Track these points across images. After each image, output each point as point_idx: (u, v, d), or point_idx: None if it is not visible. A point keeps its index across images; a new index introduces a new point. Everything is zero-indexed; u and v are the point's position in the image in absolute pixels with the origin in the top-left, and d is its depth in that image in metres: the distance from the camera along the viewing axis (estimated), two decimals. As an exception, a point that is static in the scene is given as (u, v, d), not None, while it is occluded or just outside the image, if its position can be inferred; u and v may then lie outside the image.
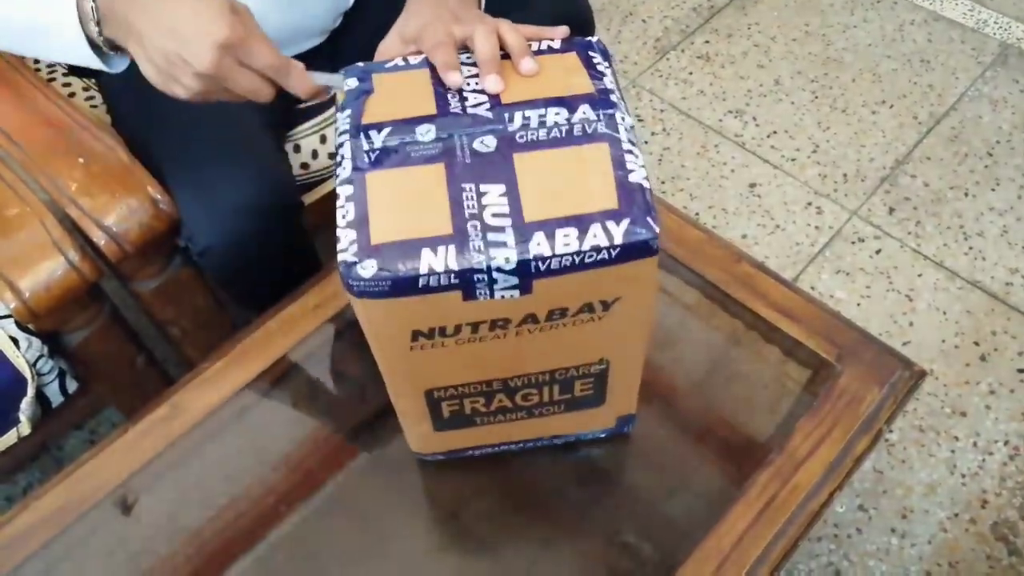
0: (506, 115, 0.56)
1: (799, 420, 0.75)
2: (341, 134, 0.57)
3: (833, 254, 1.44)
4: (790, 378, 0.80)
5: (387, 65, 0.62)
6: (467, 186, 0.53)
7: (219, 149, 0.84)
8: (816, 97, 1.67)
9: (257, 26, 0.65)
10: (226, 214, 0.80)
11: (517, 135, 0.55)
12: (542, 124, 0.55)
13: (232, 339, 0.82)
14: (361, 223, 0.52)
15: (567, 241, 0.51)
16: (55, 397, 0.93)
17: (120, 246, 0.81)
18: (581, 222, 0.52)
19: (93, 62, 0.70)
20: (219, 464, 0.77)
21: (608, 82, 0.58)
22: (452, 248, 0.51)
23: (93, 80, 1.03)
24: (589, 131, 0.55)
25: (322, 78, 0.66)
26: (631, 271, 0.53)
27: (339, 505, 0.75)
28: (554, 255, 0.51)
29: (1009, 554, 1.13)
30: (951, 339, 1.33)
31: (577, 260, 0.52)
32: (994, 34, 1.75)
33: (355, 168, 0.55)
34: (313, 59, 0.97)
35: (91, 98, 1.01)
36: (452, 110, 0.57)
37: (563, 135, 0.55)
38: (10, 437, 0.89)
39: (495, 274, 0.52)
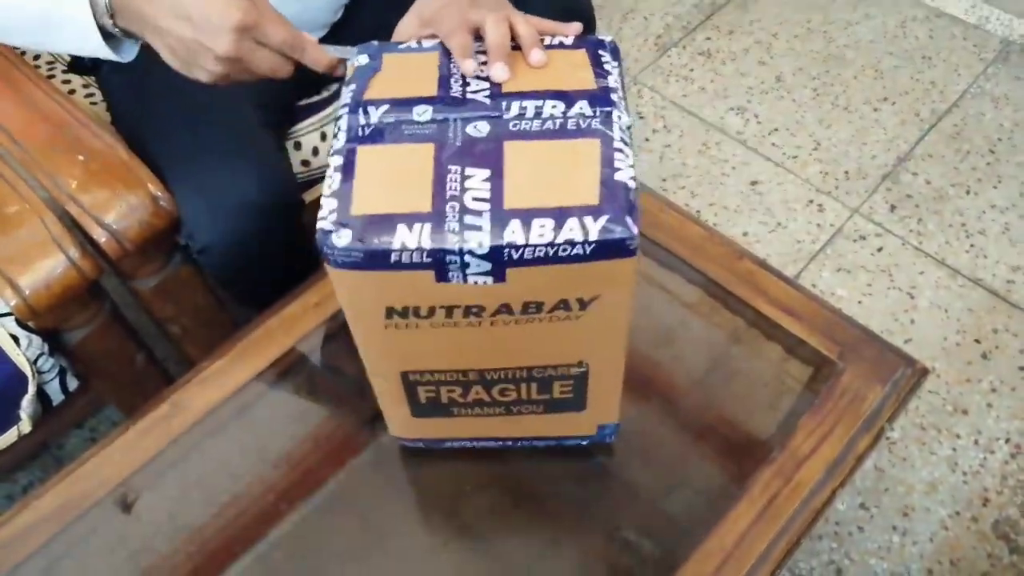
0: (504, 103, 0.57)
1: (801, 418, 0.75)
2: (342, 107, 0.58)
3: (834, 252, 1.44)
4: (792, 376, 0.80)
5: (400, 46, 0.63)
6: (453, 168, 0.54)
7: (219, 147, 0.84)
8: (817, 94, 1.67)
9: (269, 5, 0.66)
10: (226, 212, 0.80)
11: (511, 123, 0.56)
12: (538, 115, 0.56)
13: (233, 337, 0.82)
14: (345, 194, 0.53)
15: (542, 232, 0.51)
16: (55, 395, 0.93)
17: (120, 243, 0.81)
18: (559, 214, 0.52)
19: (104, 52, 0.70)
20: (220, 462, 0.77)
21: (612, 81, 0.58)
22: (428, 227, 0.52)
23: (92, 77, 1.03)
24: (583, 126, 0.55)
25: (336, 51, 0.68)
26: (607, 270, 0.53)
27: (340, 503, 0.75)
28: (527, 244, 0.51)
29: (1010, 552, 1.13)
30: (952, 337, 1.33)
31: (551, 252, 0.52)
32: (996, 31, 1.75)
33: (348, 140, 0.56)
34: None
35: (91, 95, 1.01)
36: (452, 94, 0.58)
37: (556, 128, 0.55)
38: (11, 435, 0.89)
39: (467, 257, 0.52)
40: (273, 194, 0.83)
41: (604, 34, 0.99)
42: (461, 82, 0.59)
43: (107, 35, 0.68)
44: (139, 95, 0.91)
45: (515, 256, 0.52)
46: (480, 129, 0.55)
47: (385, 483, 0.76)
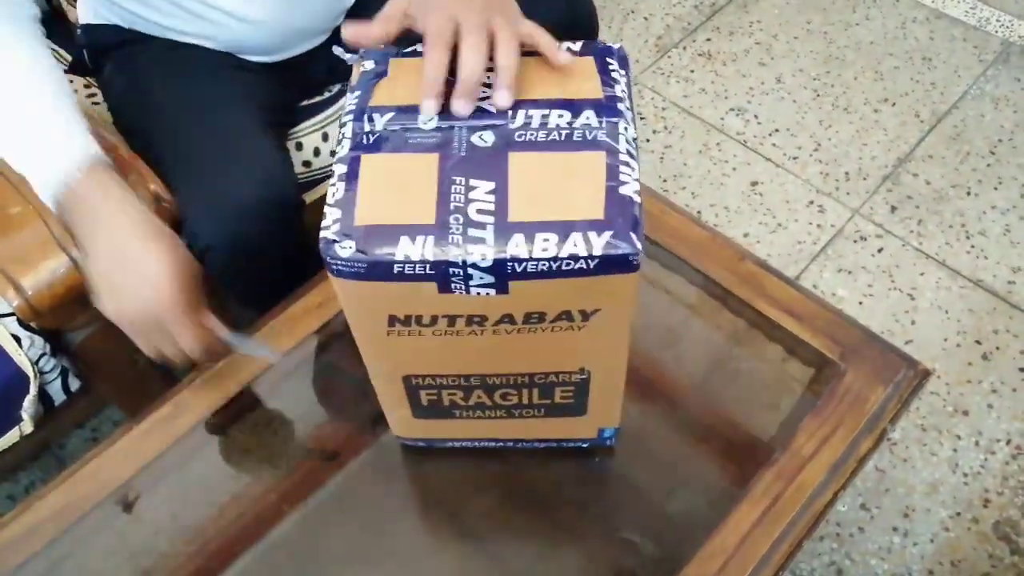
0: (509, 112, 0.56)
1: (803, 419, 0.75)
2: (346, 114, 0.58)
3: (835, 253, 1.44)
4: (793, 377, 0.80)
5: (407, 50, 0.62)
6: (457, 179, 0.53)
7: (220, 148, 0.84)
8: (818, 95, 1.67)
9: (198, 300, 0.73)
10: (228, 213, 0.80)
11: (516, 134, 0.55)
12: (543, 126, 0.55)
13: (235, 338, 0.82)
14: (348, 203, 0.53)
15: (546, 246, 0.51)
16: (57, 395, 0.93)
17: (122, 245, 0.81)
18: (563, 228, 0.51)
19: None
20: (222, 464, 0.77)
21: (619, 90, 0.58)
22: (431, 239, 0.51)
23: (94, 78, 1.03)
24: (589, 137, 0.55)
25: (234, 339, 0.76)
26: (610, 284, 0.53)
27: (341, 503, 0.75)
28: (531, 258, 0.51)
29: (1011, 553, 1.13)
30: (953, 338, 1.33)
31: (554, 266, 0.52)
32: (996, 32, 1.75)
33: (352, 149, 0.55)
34: (314, 59, 0.98)
35: (92, 95, 1.01)
36: None
37: (562, 139, 0.55)
38: (12, 435, 0.89)
39: (470, 270, 0.52)
40: (274, 195, 0.83)
41: (604, 36, 0.99)
42: None
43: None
44: (140, 96, 0.91)
45: (518, 269, 0.52)
46: (485, 139, 0.55)
47: (387, 484, 0.76)
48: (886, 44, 1.75)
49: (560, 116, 0.56)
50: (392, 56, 0.61)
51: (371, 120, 0.56)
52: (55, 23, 1.05)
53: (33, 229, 0.80)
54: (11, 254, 0.80)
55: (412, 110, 0.57)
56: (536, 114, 0.56)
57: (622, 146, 0.55)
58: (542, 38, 0.58)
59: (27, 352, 0.87)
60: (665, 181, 1.55)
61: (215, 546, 0.72)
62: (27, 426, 0.89)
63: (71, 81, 1.01)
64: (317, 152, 1.00)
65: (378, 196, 0.53)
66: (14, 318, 0.86)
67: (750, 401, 0.79)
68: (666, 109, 1.66)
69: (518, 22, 0.58)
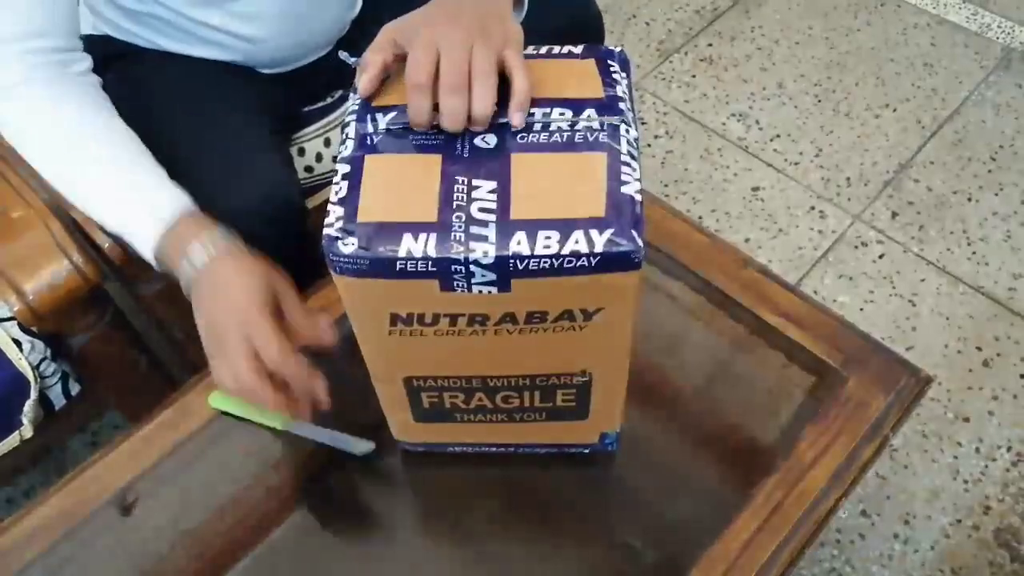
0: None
1: (804, 426, 0.75)
2: (349, 114, 0.58)
3: (836, 258, 1.44)
4: (795, 384, 0.80)
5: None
6: (460, 179, 0.54)
7: (223, 153, 0.84)
8: (819, 101, 1.67)
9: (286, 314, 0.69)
10: (230, 218, 0.80)
11: (519, 135, 0.55)
12: (545, 127, 0.56)
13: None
14: (351, 201, 0.53)
15: (548, 243, 0.51)
16: (58, 400, 0.93)
17: (124, 249, 0.81)
18: (565, 226, 0.52)
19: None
20: (222, 469, 0.77)
21: (620, 91, 0.58)
22: (433, 236, 0.52)
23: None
24: (591, 138, 0.55)
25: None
26: (612, 283, 0.53)
27: (341, 508, 0.75)
28: (533, 255, 0.51)
29: (1012, 560, 1.13)
30: (954, 344, 1.33)
31: (556, 264, 0.52)
32: (997, 38, 1.76)
33: (355, 148, 0.56)
34: (319, 69, 0.98)
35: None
36: None
37: (564, 140, 0.55)
38: (13, 440, 0.89)
39: (472, 267, 0.52)
40: (277, 200, 0.83)
41: (606, 40, 0.99)
42: None
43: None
44: (142, 104, 0.91)
45: (520, 267, 0.52)
46: (488, 140, 0.55)
47: (387, 489, 0.76)
48: (887, 50, 1.75)
49: (561, 114, 0.56)
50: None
51: (374, 120, 0.57)
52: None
53: (35, 233, 0.80)
54: (12, 258, 0.80)
55: None
56: (538, 113, 0.56)
57: (623, 147, 0.55)
58: (515, 63, 0.56)
59: (28, 356, 0.87)
60: (666, 186, 1.55)
61: (215, 551, 0.72)
62: (27, 430, 0.89)
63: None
64: (319, 158, 1.00)
65: (381, 194, 0.54)
66: (15, 322, 0.86)
67: (751, 408, 0.79)
68: (667, 114, 1.66)
69: (502, 45, 0.57)
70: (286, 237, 0.85)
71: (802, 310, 0.82)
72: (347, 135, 0.57)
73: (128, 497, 0.74)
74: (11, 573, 0.69)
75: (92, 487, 0.73)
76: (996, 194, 1.51)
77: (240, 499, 0.75)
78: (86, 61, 0.78)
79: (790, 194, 1.53)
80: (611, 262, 0.52)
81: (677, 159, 1.59)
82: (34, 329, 0.86)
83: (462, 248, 0.51)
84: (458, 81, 0.54)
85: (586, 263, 0.52)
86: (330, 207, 0.54)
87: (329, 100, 1.02)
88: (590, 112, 0.56)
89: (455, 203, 0.53)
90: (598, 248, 0.51)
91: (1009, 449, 1.22)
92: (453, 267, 0.52)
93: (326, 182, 1.01)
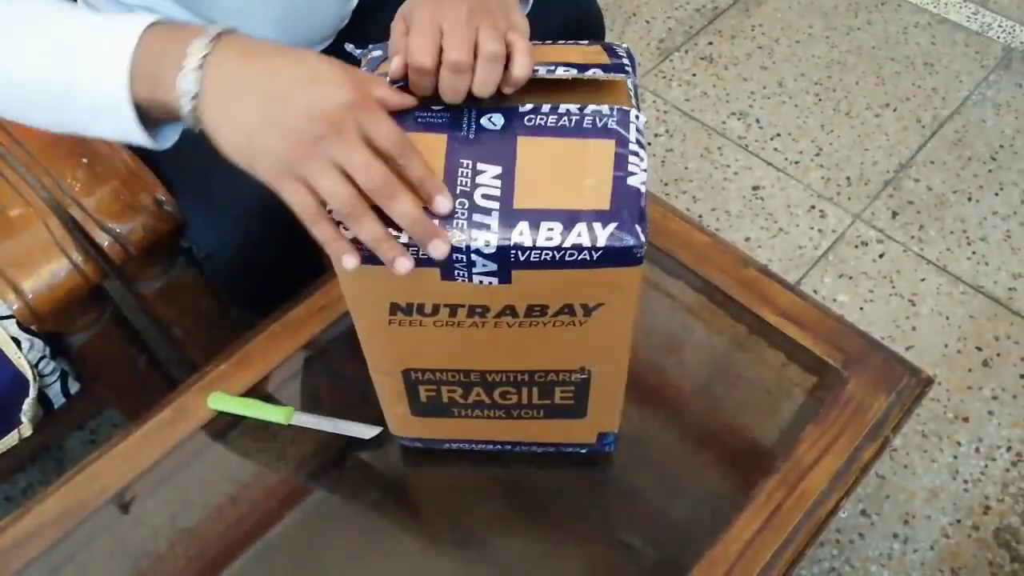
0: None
1: (805, 427, 0.75)
2: None
3: (836, 258, 1.44)
4: (795, 384, 0.80)
5: None
6: (465, 162, 0.53)
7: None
8: (819, 99, 1.67)
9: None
10: (231, 218, 0.80)
11: (526, 117, 0.54)
12: (554, 110, 0.54)
13: (236, 342, 0.81)
14: None
15: (550, 235, 0.51)
16: (57, 398, 0.93)
17: (124, 247, 0.81)
18: (568, 218, 0.51)
19: (136, 135, 0.59)
20: (221, 467, 0.77)
21: (629, 81, 0.57)
22: (435, 223, 0.51)
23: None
24: (599, 124, 0.54)
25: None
26: (614, 277, 0.53)
27: (340, 506, 0.75)
28: (535, 247, 0.51)
29: (1012, 560, 1.13)
30: (954, 344, 1.33)
31: (558, 256, 0.51)
32: (998, 37, 1.75)
33: None
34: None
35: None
36: None
37: (572, 125, 0.54)
38: (11, 438, 0.89)
39: (474, 256, 0.52)
40: (277, 200, 0.83)
41: (606, 39, 0.99)
42: None
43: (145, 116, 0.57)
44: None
45: (521, 258, 0.52)
46: (494, 121, 0.54)
47: (387, 488, 0.76)
48: (888, 49, 1.75)
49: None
50: None
51: None
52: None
53: (34, 231, 0.80)
54: (11, 257, 0.79)
55: None
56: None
57: (632, 135, 0.54)
58: (520, 45, 0.54)
59: (27, 355, 0.87)
60: (666, 185, 1.55)
61: (214, 550, 0.72)
62: (26, 429, 0.89)
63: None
64: (319, 155, 0.99)
65: None
66: (14, 321, 0.86)
67: (752, 408, 0.79)
68: (667, 113, 1.66)
69: (507, 29, 0.55)
70: (285, 236, 0.85)
71: (802, 310, 0.82)
72: None
73: (127, 496, 0.74)
74: (11, 572, 0.69)
75: (91, 486, 0.73)
76: (996, 194, 1.51)
77: (239, 498, 0.74)
78: None
79: (790, 193, 1.53)
80: (614, 256, 0.51)
81: (677, 158, 1.59)
82: (33, 327, 0.86)
83: (464, 236, 0.51)
84: (462, 60, 0.52)
85: (588, 256, 0.51)
86: None
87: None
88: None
89: (459, 188, 0.52)
90: (601, 242, 0.51)
91: (1009, 449, 1.22)
92: (454, 255, 0.52)
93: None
